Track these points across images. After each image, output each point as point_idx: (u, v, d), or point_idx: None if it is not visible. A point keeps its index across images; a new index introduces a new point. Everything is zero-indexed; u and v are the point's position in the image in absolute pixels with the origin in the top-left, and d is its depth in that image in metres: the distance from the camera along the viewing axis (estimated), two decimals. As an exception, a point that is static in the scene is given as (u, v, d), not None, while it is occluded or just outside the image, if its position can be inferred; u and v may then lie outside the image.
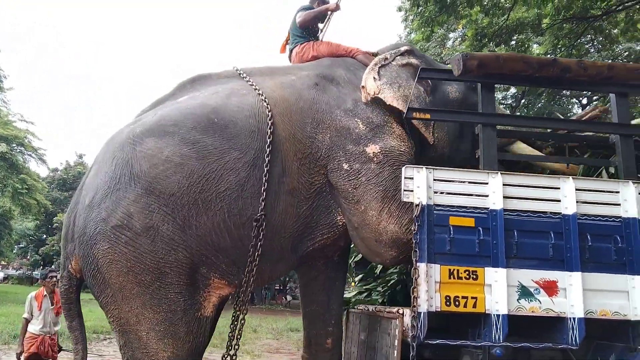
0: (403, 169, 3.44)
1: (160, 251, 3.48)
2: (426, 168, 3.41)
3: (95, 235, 3.49)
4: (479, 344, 3.26)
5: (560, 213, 3.40)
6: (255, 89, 3.97)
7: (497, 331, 3.16)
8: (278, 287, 35.06)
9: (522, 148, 4.25)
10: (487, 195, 3.40)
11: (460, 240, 3.30)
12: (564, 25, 11.24)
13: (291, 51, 4.92)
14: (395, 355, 3.35)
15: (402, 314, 3.41)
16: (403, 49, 4.40)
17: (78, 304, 3.86)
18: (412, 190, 3.36)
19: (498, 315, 3.18)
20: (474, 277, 3.25)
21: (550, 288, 3.28)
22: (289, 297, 32.11)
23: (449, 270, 3.25)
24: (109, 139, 3.96)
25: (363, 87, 4.04)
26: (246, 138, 3.72)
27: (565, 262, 3.32)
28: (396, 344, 3.36)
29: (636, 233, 3.38)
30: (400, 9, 12.28)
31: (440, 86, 4.41)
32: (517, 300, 3.24)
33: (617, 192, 3.49)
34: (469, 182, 3.45)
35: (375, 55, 4.42)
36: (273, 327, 15.00)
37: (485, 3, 10.89)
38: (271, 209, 3.69)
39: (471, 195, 3.41)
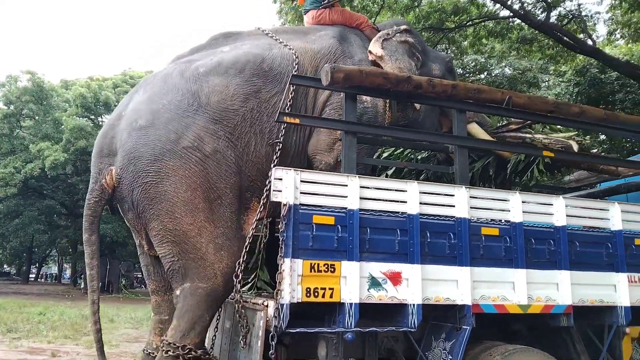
0: (273, 169, 3.66)
1: (224, 173, 4.07)
2: (294, 170, 3.66)
3: (162, 153, 3.95)
4: (333, 330, 3.61)
5: (406, 213, 3.86)
6: (286, 45, 4.74)
7: (349, 318, 3.52)
8: (139, 276, 33.69)
9: (476, 131, 5.13)
10: (346, 196, 3.74)
11: (321, 237, 3.59)
12: (423, 33, 12.36)
13: (307, 11, 5.68)
14: (258, 345, 3.58)
15: (267, 306, 3.65)
16: (402, 27, 5.27)
17: (99, 219, 4.31)
18: (280, 191, 3.59)
19: (351, 304, 3.54)
20: (332, 270, 3.57)
21: (395, 278, 3.72)
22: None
23: (311, 264, 3.53)
24: (159, 74, 4.52)
25: (370, 51, 4.93)
26: (286, 83, 4.45)
27: (408, 256, 3.77)
28: (260, 334, 3.59)
29: (465, 231, 3.97)
30: (275, 1, 12.45)
31: (427, 63, 5.41)
32: (368, 289, 3.62)
33: (453, 195, 4.07)
34: (331, 184, 3.76)
35: (377, 29, 5.39)
36: (132, 316, 14.50)
37: (355, 4, 11.54)
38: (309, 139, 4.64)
39: (333, 196, 3.73)
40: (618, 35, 15.37)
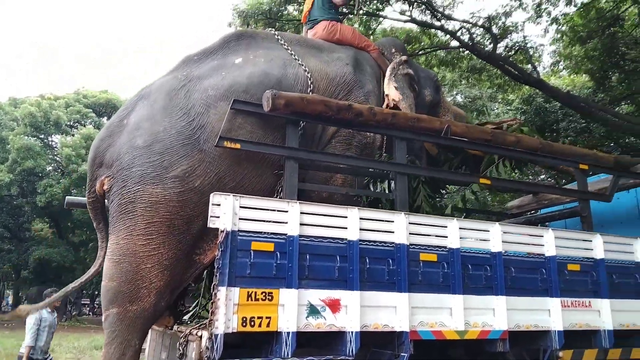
0: (211, 195, 3.60)
1: (201, 206, 3.89)
2: (233, 196, 3.62)
3: (150, 177, 3.89)
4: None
5: (346, 239, 3.87)
6: (301, 65, 4.69)
7: (286, 347, 3.47)
8: (86, 302, 32.38)
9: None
10: (286, 222, 3.72)
11: (259, 264, 3.56)
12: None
13: (314, 22, 5.50)
14: (191, 376, 3.48)
15: (201, 337, 3.55)
16: (403, 58, 5.38)
17: (103, 208, 4.35)
18: (218, 217, 3.54)
19: (288, 333, 3.49)
20: (270, 298, 3.53)
21: (334, 305, 3.71)
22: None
23: (248, 292, 3.47)
24: (165, 85, 4.28)
25: (387, 95, 5.04)
26: None
27: (348, 282, 3.77)
28: (193, 365, 3.49)
29: (404, 257, 4.01)
30: (230, 25, 12.47)
31: (421, 91, 5.57)
32: (306, 317, 3.59)
33: (392, 221, 4.11)
34: (271, 210, 3.74)
35: (382, 53, 5.47)
36: (74, 345, 13.83)
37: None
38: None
39: (272, 222, 3.70)
40: (561, 67, 16.15)
